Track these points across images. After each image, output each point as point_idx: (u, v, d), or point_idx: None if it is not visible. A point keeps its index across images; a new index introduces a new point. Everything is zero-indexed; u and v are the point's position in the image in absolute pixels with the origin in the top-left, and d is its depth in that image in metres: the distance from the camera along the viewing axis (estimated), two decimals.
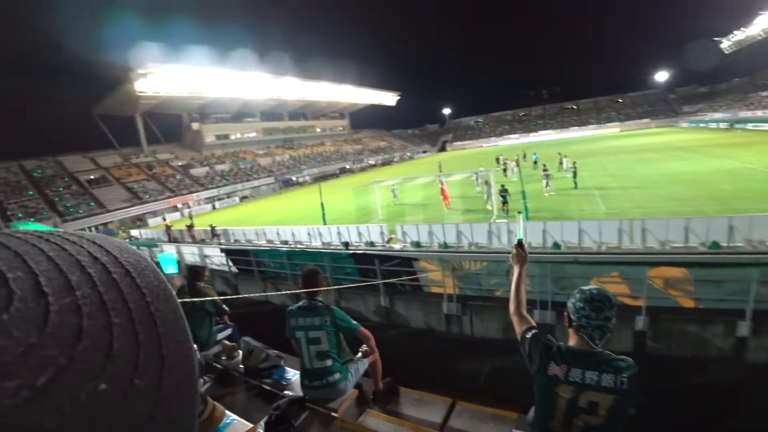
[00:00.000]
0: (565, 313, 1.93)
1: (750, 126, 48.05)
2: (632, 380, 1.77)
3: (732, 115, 58.39)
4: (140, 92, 48.33)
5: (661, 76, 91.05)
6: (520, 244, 2.29)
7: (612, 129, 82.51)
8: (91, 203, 41.67)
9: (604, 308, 1.79)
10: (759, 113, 53.50)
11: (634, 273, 6.27)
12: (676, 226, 9.66)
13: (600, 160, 32.56)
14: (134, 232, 29.11)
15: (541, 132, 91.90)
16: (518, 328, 2.13)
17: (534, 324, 2.11)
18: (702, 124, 62.51)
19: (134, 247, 0.32)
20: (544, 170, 20.94)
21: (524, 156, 35.92)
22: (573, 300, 1.87)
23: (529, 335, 2.03)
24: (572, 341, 1.91)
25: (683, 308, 6.05)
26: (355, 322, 3.38)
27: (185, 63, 51.05)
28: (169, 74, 48.95)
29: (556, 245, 10.71)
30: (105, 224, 38.53)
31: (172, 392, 0.26)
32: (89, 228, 35.45)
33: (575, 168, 21.24)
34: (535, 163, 32.43)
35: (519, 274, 2.25)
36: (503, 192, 16.34)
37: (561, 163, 28.24)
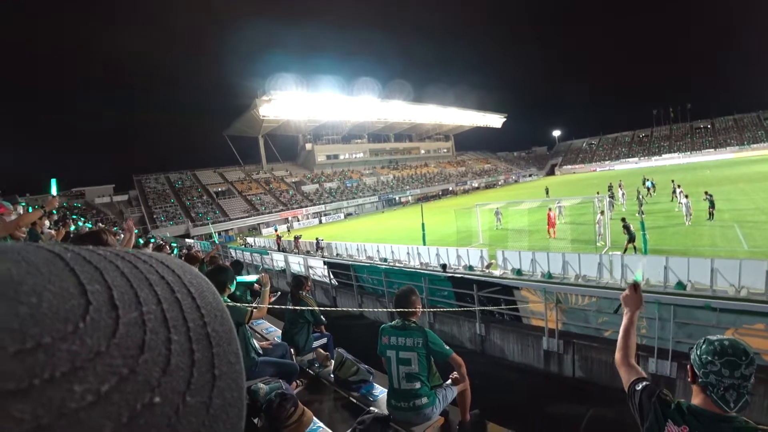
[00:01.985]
0: (689, 366, 1.65)
1: None
2: None
3: None
4: (263, 116, 54.39)
5: None
6: (635, 286, 2.05)
7: (759, 151, 69.72)
8: (217, 212, 47.54)
9: (741, 364, 1.48)
10: None
11: None
12: None
13: (742, 187, 27.95)
14: (249, 239, 32.18)
15: (665, 155, 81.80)
16: (626, 378, 1.89)
17: (645, 375, 1.86)
18: None
19: (197, 270, 0.34)
20: (685, 196, 18.47)
21: (644, 183, 32.20)
22: (699, 351, 1.58)
23: (639, 387, 1.79)
24: (696, 400, 1.63)
25: None
26: (448, 347, 3.30)
27: (304, 89, 56.10)
28: (289, 100, 54.14)
29: (680, 285, 9.41)
30: (226, 231, 43.42)
31: (220, 412, 0.27)
32: (215, 233, 40.14)
33: (711, 197, 17.95)
34: (649, 190, 29.16)
35: (630, 319, 2.01)
36: (625, 226, 13.79)
37: (674, 192, 24.04)
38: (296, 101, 55.11)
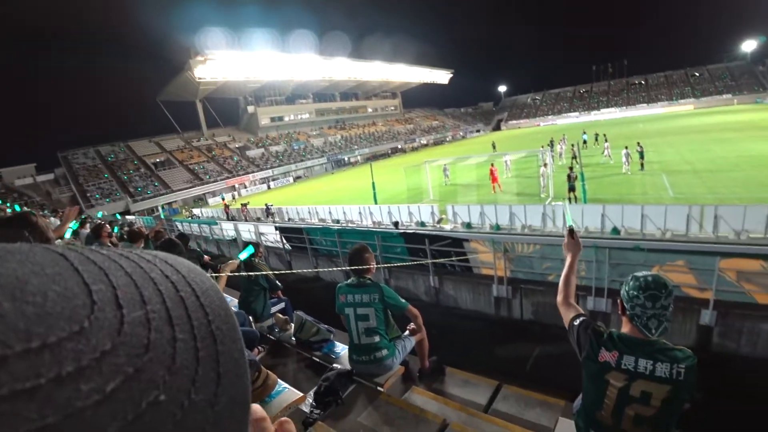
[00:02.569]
0: (619, 301, 1.84)
1: None
2: (690, 372, 1.66)
3: None
4: (199, 78, 50.62)
5: (748, 45, 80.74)
6: (571, 231, 2.19)
7: (686, 106, 74.99)
8: (157, 184, 44.78)
9: (661, 296, 1.68)
10: None
11: (702, 263, 5.80)
12: (755, 214, 8.80)
13: (670, 140, 30.08)
14: (196, 211, 30.93)
15: (604, 110, 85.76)
16: (566, 316, 2.06)
17: (582, 312, 2.04)
18: None
19: (201, 269, 0.34)
20: (625, 147, 19.92)
21: (586, 136, 33.84)
22: (626, 287, 1.77)
23: (577, 322, 1.97)
24: (625, 329, 1.83)
25: (759, 305, 5.55)
26: (403, 300, 3.42)
27: (241, 48, 52.80)
28: (226, 60, 50.70)
29: (615, 230, 10.17)
30: (170, 204, 41.28)
31: (225, 409, 0.27)
32: (157, 207, 38.14)
33: (642, 149, 19.56)
34: (585, 143, 30.58)
35: (570, 264, 2.17)
36: (570, 176, 14.54)
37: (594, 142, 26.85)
38: (234, 61, 51.61)
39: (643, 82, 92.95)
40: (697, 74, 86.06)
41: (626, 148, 19.74)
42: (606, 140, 25.60)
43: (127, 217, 32.05)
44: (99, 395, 0.20)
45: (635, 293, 1.71)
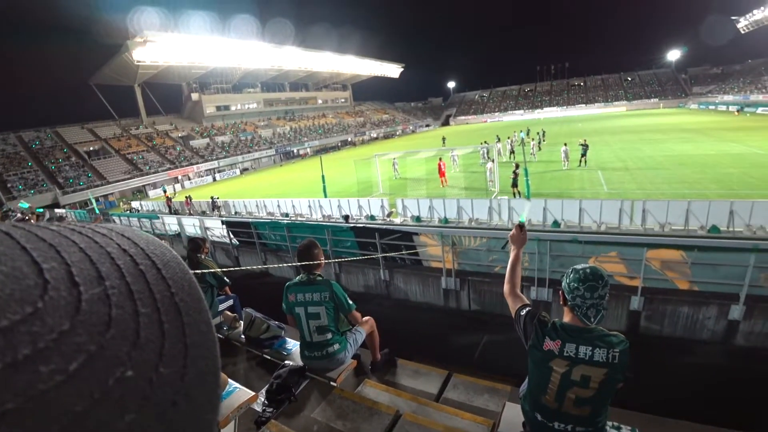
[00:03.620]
0: (560, 292, 1.97)
1: (761, 110, 46.70)
2: (623, 355, 1.82)
3: (743, 98, 56.97)
4: (138, 61, 47.27)
5: (673, 54, 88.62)
6: (521, 226, 2.31)
7: (619, 108, 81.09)
8: (90, 174, 41.40)
9: (598, 287, 1.83)
10: None
11: (632, 253, 6.31)
12: (676, 209, 9.67)
13: (605, 139, 32.23)
14: (135, 204, 29.13)
15: (546, 108, 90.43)
16: (513, 306, 2.18)
17: (528, 302, 2.16)
18: (712, 107, 61.23)
19: (161, 240, 0.34)
20: (565, 144, 21.19)
21: (527, 132, 35.46)
22: (567, 280, 1.90)
23: (523, 312, 2.08)
24: (567, 318, 1.96)
25: (679, 290, 6.12)
26: (351, 302, 3.39)
27: (185, 31, 49.84)
28: (169, 42, 47.71)
29: (556, 223, 10.74)
30: (105, 196, 38.42)
31: (195, 380, 0.27)
32: (90, 200, 35.41)
33: (586, 146, 20.70)
34: (522, 140, 31.33)
35: (516, 255, 2.29)
36: (515, 171, 15.05)
37: (539, 142, 28.43)
38: (178, 44, 48.65)
39: (582, 83, 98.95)
40: (630, 79, 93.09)
41: (565, 145, 20.95)
42: (532, 139, 27.42)
43: (56, 210, 29.55)
44: (61, 376, 0.20)
45: (576, 285, 1.84)
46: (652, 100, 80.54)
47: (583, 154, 20.60)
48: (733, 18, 69.76)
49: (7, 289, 0.21)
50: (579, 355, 1.85)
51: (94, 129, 51.60)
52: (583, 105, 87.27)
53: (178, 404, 0.25)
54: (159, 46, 47.08)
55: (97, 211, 21.29)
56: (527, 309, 2.09)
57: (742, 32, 69.64)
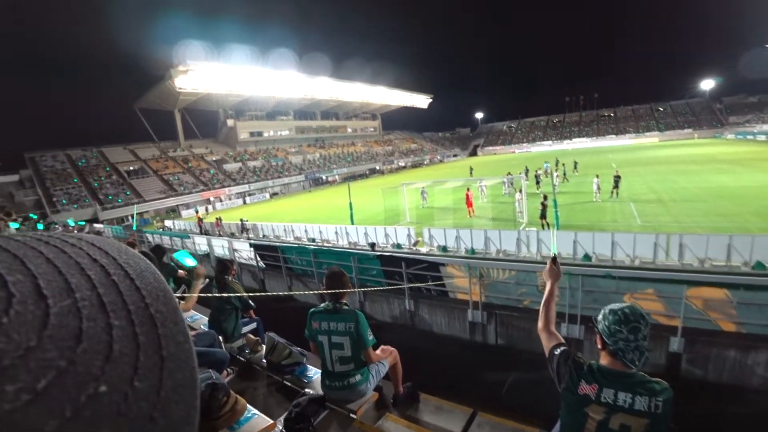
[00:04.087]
0: (598, 336, 1.83)
1: None
2: (667, 404, 1.68)
3: None
4: (180, 88, 50.06)
5: (707, 84, 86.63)
6: (554, 259, 2.22)
7: (651, 139, 79.64)
8: (128, 192, 43.41)
9: (641, 328, 1.71)
10: None
11: (670, 291, 5.98)
12: (717, 243, 9.18)
13: (637, 170, 31.38)
14: (168, 222, 30.08)
15: (575, 139, 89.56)
16: (546, 344, 2.06)
17: (563, 340, 2.04)
18: (750, 136, 59.15)
19: (133, 249, 0.32)
20: (596, 176, 20.64)
21: (557, 162, 35.02)
22: (606, 322, 1.77)
23: (557, 351, 1.96)
24: (604, 361, 1.83)
25: (724, 332, 5.73)
26: (371, 337, 3.27)
27: (224, 61, 52.62)
28: (209, 72, 50.47)
29: (587, 257, 10.39)
30: (140, 214, 39.98)
31: (172, 394, 0.26)
32: (127, 217, 36.89)
33: (618, 177, 20.27)
34: (546, 171, 31.15)
35: (551, 290, 2.19)
36: (543, 203, 14.79)
37: (547, 173, 28.37)
38: (216, 73, 51.40)
39: (612, 114, 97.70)
40: (661, 109, 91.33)
41: (597, 177, 20.45)
42: (556, 170, 27.02)
43: (95, 225, 30.88)
44: (29, 395, 0.19)
45: (617, 328, 1.71)
46: (685, 130, 78.56)
47: (616, 186, 20.11)
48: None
49: None
50: (618, 403, 1.71)
51: (135, 150, 54.56)
52: (614, 135, 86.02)
53: (156, 419, 0.24)
54: (199, 75, 49.80)
55: (135, 228, 22.07)
56: (562, 348, 1.97)
57: None
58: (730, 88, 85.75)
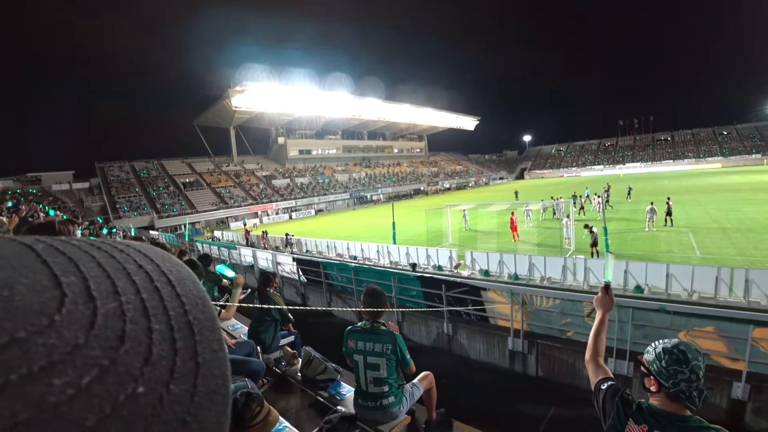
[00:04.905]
0: (652, 379, 1.67)
1: None
2: None
3: None
4: (236, 107, 53.11)
5: None
6: (607, 287, 2.11)
7: (713, 164, 74.82)
8: (183, 203, 46.07)
9: (702, 366, 1.57)
10: None
11: (734, 330, 5.51)
12: None
13: (697, 198, 29.44)
14: (217, 233, 31.42)
15: (629, 164, 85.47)
16: (593, 377, 1.94)
17: (611, 375, 1.92)
18: None
19: (176, 258, 0.34)
20: (651, 203, 19.50)
21: (608, 188, 33.54)
22: (662, 363, 1.61)
23: (604, 386, 1.84)
24: (655, 401, 1.69)
25: None
26: (409, 356, 3.25)
27: (278, 82, 55.25)
28: (263, 92, 53.23)
29: (638, 288, 9.81)
30: (193, 224, 42.14)
31: (205, 399, 0.26)
32: (180, 226, 38.99)
33: (670, 205, 19.28)
34: (588, 197, 29.91)
35: (601, 320, 2.08)
36: (591, 231, 14.39)
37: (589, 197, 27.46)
38: (270, 93, 54.09)
39: (669, 138, 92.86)
40: (725, 133, 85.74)
41: (651, 204, 19.29)
42: (597, 195, 25.80)
43: (151, 232, 32.79)
44: (73, 389, 0.20)
45: (678, 368, 1.57)
46: (753, 156, 73.08)
47: (669, 213, 19.09)
48: None
49: (27, 301, 0.21)
50: None
51: (192, 163, 58.15)
52: (671, 161, 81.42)
53: (188, 423, 0.25)
54: (254, 95, 52.62)
55: (187, 238, 23.23)
56: (609, 383, 1.84)
57: None
58: None
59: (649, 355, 1.68)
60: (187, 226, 24.90)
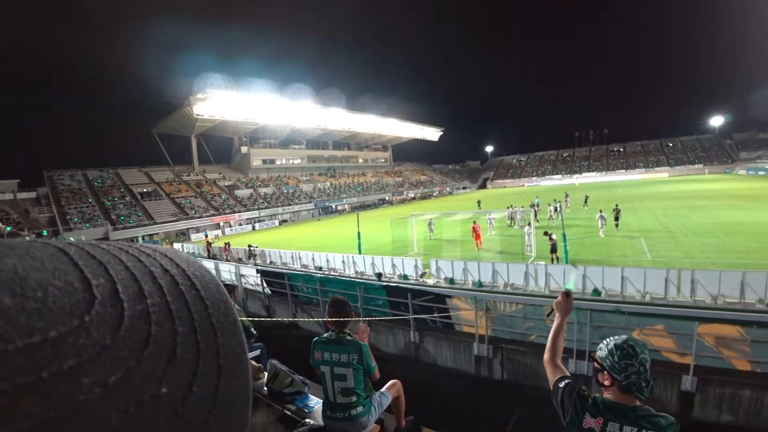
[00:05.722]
0: (606, 374, 1.79)
1: None
2: None
3: None
4: (198, 115, 51.56)
5: (717, 120, 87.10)
6: (567, 293, 2.22)
7: (661, 174, 79.90)
8: (140, 214, 44.09)
9: (647, 357, 1.72)
10: None
11: (682, 327, 5.85)
12: (730, 280, 9.01)
13: (648, 205, 31.19)
14: (177, 245, 30.31)
15: (585, 174, 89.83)
16: (551, 377, 2.04)
17: (568, 374, 2.02)
18: (762, 172, 59.21)
19: (201, 262, 0.35)
20: (600, 210, 20.99)
21: (569, 195, 34.99)
22: (614, 358, 1.75)
23: (562, 384, 1.94)
24: (608, 395, 1.80)
25: (738, 371, 5.56)
26: (374, 364, 3.24)
27: (242, 90, 54.29)
28: (226, 99, 52.02)
29: (596, 292, 10.23)
30: (150, 235, 40.43)
31: (226, 401, 0.27)
32: (136, 238, 37.33)
33: (618, 210, 21.06)
34: (538, 205, 30.20)
35: (560, 323, 2.18)
36: (550, 238, 14.70)
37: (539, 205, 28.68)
38: (233, 101, 52.90)
39: (621, 149, 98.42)
40: (671, 144, 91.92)
41: (601, 211, 20.54)
42: (549, 204, 27.52)
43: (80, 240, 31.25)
44: (101, 388, 0.20)
45: (628, 362, 1.70)
46: (696, 165, 78.82)
47: (616, 218, 20.81)
48: None
49: (59, 302, 0.21)
50: None
51: (150, 173, 55.69)
52: (623, 170, 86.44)
53: (209, 424, 0.25)
54: (217, 103, 51.40)
55: None
56: (567, 381, 1.95)
57: None
58: (740, 124, 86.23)
59: (601, 352, 1.81)
60: (143, 239, 23.73)
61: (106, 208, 43.60)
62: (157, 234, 41.30)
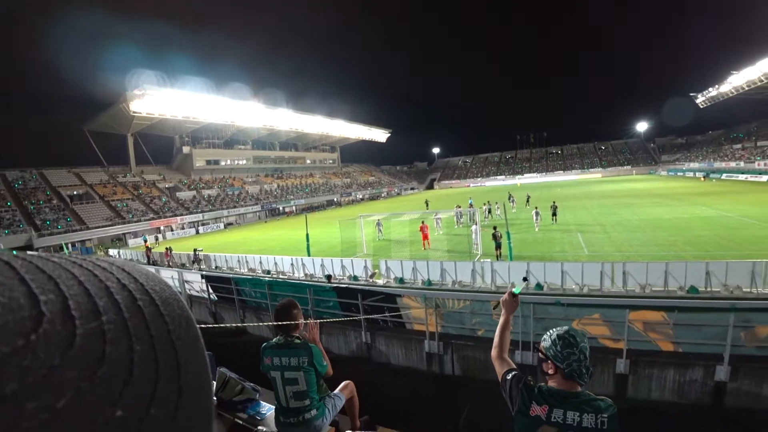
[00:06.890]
0: (549, 363, 1.91)
1: (724, 176, 51.81)
2: (612, 421, 1.76)
3: (708, 165, 61.77)
4: (135, 112, 48.10)
5: (641, 126, 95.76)
6: (514, 295, 2.33)
7: (595, 174, 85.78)
8: (70, 219, 40.49)
9: (586, 345, 1.85)
10: (732, 164, 56.62)
11: (615, 315, 6.33)
12: (655, 270, 9.87)
13: (584, 203, 33.40)
14: (112, 252, 28.40)
15: (526, 174, 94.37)
16: (499, 370, 2.14)
17: (515, 366, 2.12)
18: (680, 173, 65.71)
19: (162, 277, 0.33)
20: (535, 207, 23.39)
21: (508, 199, 36.49)
22: (556, 348, 1.87)
23: (509, 376, 2.04)
24: (552, 383, 1.92)
25: (663, 352, 6.09)
26: (325, 363, 3.21)
27: (182, 88, 51.49)
28: (165, 97, 49.03)
29: (539, 286, 10.76)
30: (83, 241, 37.43)
31: (187, 423, 0.26)
32: (65, 245, 34.45)
33: (555, 206, 23.51)
34: (471, 206, 30.91)
35: (506, 320, 2.30)
36: (496, 234, 15.55)
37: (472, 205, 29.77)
38: (174, 99, 49.89)
39: (559, 151, 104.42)
40: (603, 147, 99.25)
41: (536, 208, 22.77)
42: (484, 204, 29.52)
43: (29, 253, 28.52)
44: (47, 414, 0.19)
45: (570, 350, 1.84)
46: (625, 167, 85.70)
47: (554, 214, 23.41)
48: (692, 94, 75.66)
49: (2, 320, 0.20)
50: (567, 421, 1.79)
51: (81, 173, 51.12)
52: (561, 171, 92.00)
53: None
54: (156, 100, 48.28)
55: None
56: (513, 373, 2.05)
57: (701, 107, 75.28)
58: (661, 130, 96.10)
59: (545, 343, 1.93)
60: (64, 246, 21.56)
61: (30, 212, 39.60)
62: (90, 240, 38.32)
